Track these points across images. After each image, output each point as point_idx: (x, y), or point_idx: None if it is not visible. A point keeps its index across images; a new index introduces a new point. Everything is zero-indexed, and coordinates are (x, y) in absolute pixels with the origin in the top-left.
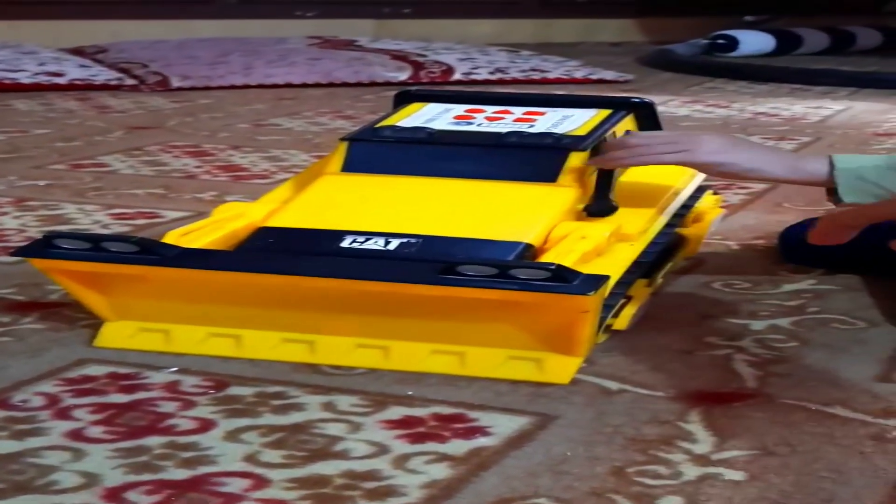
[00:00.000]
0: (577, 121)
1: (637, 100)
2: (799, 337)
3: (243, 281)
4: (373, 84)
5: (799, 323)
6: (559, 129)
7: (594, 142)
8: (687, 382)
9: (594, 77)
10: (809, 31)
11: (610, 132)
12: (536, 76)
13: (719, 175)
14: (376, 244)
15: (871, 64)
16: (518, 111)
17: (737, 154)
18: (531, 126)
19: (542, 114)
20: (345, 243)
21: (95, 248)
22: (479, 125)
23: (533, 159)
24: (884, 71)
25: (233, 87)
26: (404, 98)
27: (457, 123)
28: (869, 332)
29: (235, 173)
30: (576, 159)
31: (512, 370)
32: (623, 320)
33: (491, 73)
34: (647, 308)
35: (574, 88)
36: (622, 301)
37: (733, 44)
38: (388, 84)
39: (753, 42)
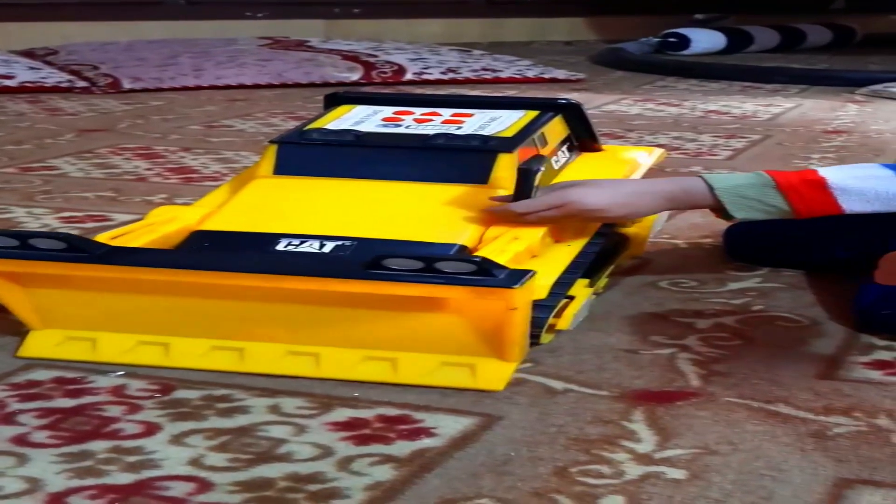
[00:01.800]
0: (504, 122)
1: (564, 101)
2: (743, 335)
3: (172, 280)
4: (325, 84)
5: (743, 321)
6: (487, 131)
7: (522, 143)
8: (631, 382)
9: (546, 76)
10: (760, 30)
11: (538, 133)
12: (488, 76)
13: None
14: (311, 247)
15: (822, 61)
16: (446, 113)
17: (616, 202)
18: (459, 128)
19: (470, 115)
20: (280, 246)
21: (23, 245)
22: (407, 127)
23: (462, 161)
24: (833, 68)
25: (184, 88)
26: (333, 100)
27: (385, 126)
28: (812, 329)
29: (186, 175)
30: (505, 160)
31: (445, 377)
32: (566, 320)
33: (443, 72)
34: (592, 308)
35: (526, 88)
36: (563, 301)
37: (684, 42)
38: (340, 84)
39: (704, 40)
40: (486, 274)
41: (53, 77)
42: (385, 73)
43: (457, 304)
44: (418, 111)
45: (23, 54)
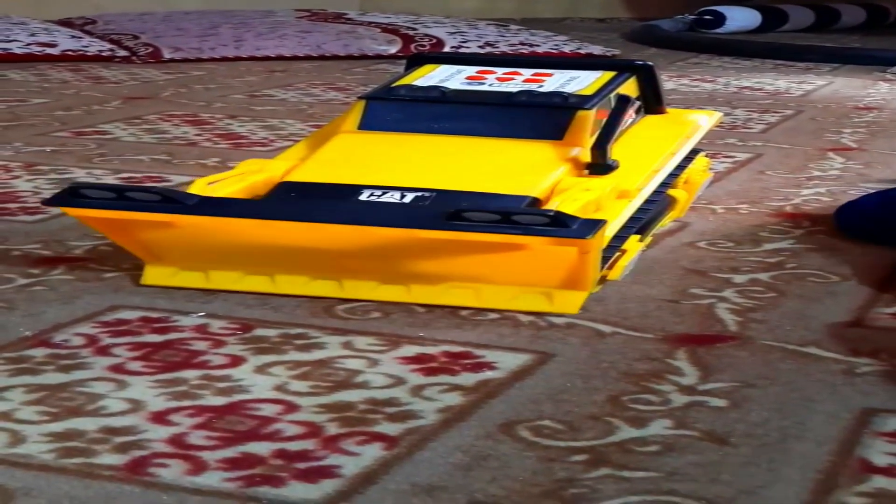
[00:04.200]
0: (583, 81)
1: (639, 62)
2: (777, 289)
3: (263, 229)
4: (363, 57)
5: (777, 277)
6: (567, 89)
7: (600, 101)
8: (674, 327)
9: (582, 51)
10: (795, 8)
11: (614, 93)
12: (525, 50)
13: None
14: (392, 197)
15: (855, 41)
16: (527, 73)
17: None
18: (540, 86)
19: (550, 75)
20: (363, 196)
21: (120, 197)
22: (490, 85)
23: (541, 118)
24: (866, 47)
25: (224, 59)
26: (416, 60)
27: (469, 83)
28: (841, 285)
29: (235, 141)
30: (582, 117)
31: (523, 302)
32: (616, 271)
33: (480, 46)
34: (638, 262)
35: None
36: (618, 254)
37: (720, 19)
38: (378, 57)
39: (740, 18)
40: (561, 225)
41: (94, 46)
42: (423, 45)
43: (535, 249)
44: (500, 70)
45: (60, 23)
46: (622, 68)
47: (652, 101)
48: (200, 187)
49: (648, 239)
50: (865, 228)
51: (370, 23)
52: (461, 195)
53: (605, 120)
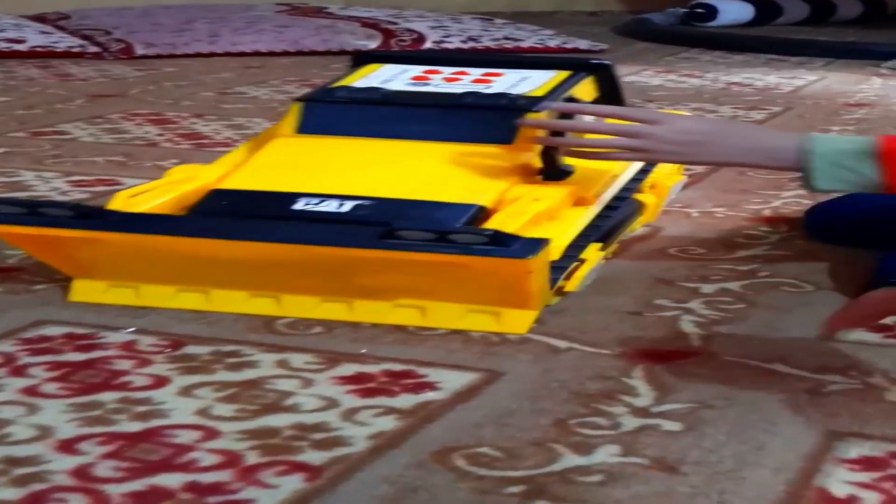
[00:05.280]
0: (535, 82)
1: (595, 62)
2: (747, 299)
3: (187, 245)
4: (342, 52)
5: (748, 286)
6: (517, 90)
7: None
8: (633, 341)
9: (568, 46)
10: (789, 1)
11: (568, 94)
12: (509, 45)
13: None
14: (329, 206)
15: (850, 35)
16: (476, 72)
17: (704, 152)
18: (488, 87)
19: (499, 75)
20: (298, 206)
21: (32, 213)
22: (436, 86)
23: (488, 120)
24: (862, 41)
25: (198, 54)
26: (362, 59)
27: (413, 84)
28: (815, 295)
29: (197, 141)
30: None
31: (471, 322)
32: (574, 283)
33: (463, 41)
34: (601, 271)
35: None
36: (575, 264)
37: (712, 13)
38: (357, 52)
39: (732, 11)
40: (500, 244)
41: (64, 42)
42: (404, 41)
43: (476, 268)
44: (448, 70)
45: (34, 19)
46: (578, 67)
47: (612, 102)
48: (122, 201)
49: (613, 246)
50: (832, 230)
51: (351, 17)
52: (404, 204)
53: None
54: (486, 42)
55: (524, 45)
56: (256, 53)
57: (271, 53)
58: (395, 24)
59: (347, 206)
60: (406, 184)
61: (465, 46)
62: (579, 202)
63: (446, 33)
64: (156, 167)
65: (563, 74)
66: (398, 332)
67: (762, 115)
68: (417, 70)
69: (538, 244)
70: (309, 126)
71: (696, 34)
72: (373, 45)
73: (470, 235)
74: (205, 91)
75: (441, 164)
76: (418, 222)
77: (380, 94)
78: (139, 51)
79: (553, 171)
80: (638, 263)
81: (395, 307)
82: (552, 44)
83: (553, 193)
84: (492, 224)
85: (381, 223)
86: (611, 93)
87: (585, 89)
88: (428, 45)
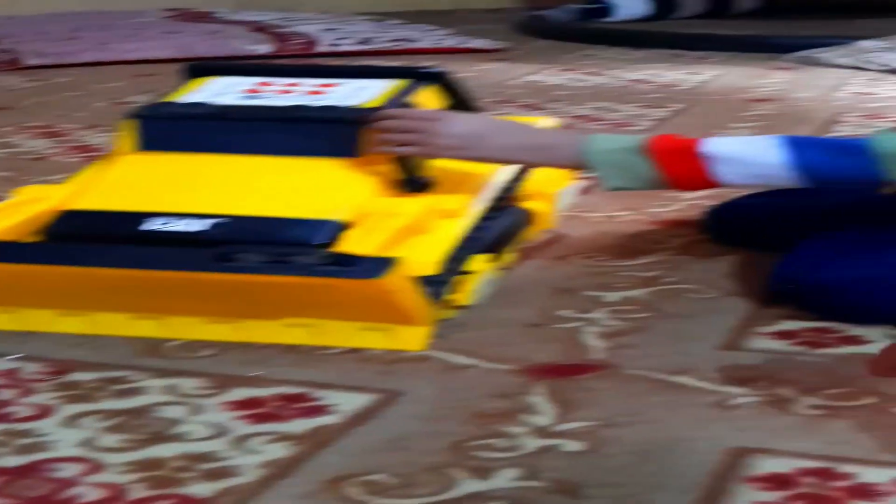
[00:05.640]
0: (371, 92)
1: (427, 70)
2: (651, 307)
3: (43, 272)
4: (235, 58)
5: (652, 294)
6: (352, 102)
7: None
8: (535, 356)
9: (465, 46)
10: None
11: (406, 103)
12: (404, 46)
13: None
14: (182, 226)
15: (751, 28)
16: (310, 83)
17: (483, 146)
18: (321, 99)
19: (335, 86)
20: (149, 226)
21: None
22: (268, 99)
23: (329, 134)
24: (761, 34)
25: (89, 63)
26: (194, 71)
27: (245, 98)
28: (720, 301)
29: (90, 154)
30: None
31: (364, 340)
32: (465, 296)
33: (357, 43)
34: (500, 283)
35: (444, 58)
36: (462, 276)
37: (609, 9)
38: (250, 58)
39: (629, 6)
40: (344, 265)
41: None
42: (296, 44)
43: (342, 292)
44: (280, 82)
45: None
46: (411, 76)
47: (461, 109)
48: None
49: (510, 256)
50: (731, 232)
51: (238, 21)
52: (260, 221)
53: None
54: (381, 44)
55: (419, 45)
56: (148, 61)
57: (163, 60)
58: (283, 27)
59: (202, 224)
60: (260, 200)
61: (360, 49)
62: (448, 214)
63: (338, 36)
64: (44, 182)
65: (402, 84)
66: (294, 353)
67: (666, 112)
68: (249, 83)
69: (384, 263)
70: (150, 143)
71: (595, 31)
72: (265, 49)
73: (312, 257)
74: (97, 101)
75: (292, 179)
76: (279, 239)
77: (208, 108)
78: (29, 60)
79: (412, 182)
80: (539, 272)
81: (286, 326)
82: (449, 44)
83: (413, 206)
84: (349, 241)
85: (237, 241)
86: (458, 100)
87: (431, 97)
88: (321, 48)
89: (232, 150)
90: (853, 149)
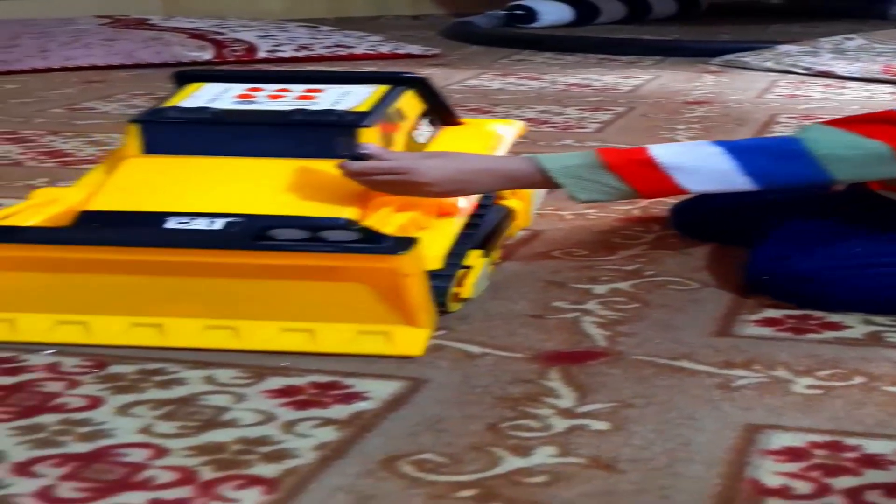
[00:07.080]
0: (357, 97)
1: (409, 75)
2: (639, 298)
3: (73, 257)
4: (178, 63)
5: (638, 286)
6: (341, 106)
7: (378, 117)
8: (542, 344)
9: (400, 52)
10: (606, 1)
11: (394, 108)
12: (342, 52)
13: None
14: (201, 224)
15: (671, 33)
16: (298, 89)
17: (449, 178)
18: (313, 103)
19: (321, 91)
20: (170, 224)
21: None
22: (262, 104)
23: (329, 136)
24: (685, 39)
25: (34, 70)
26: (183, 78)
27: (240, 102)
28: (702, 292)
29: (62, 159)
30: (366, 135)
31: (362, 345)
32: (467, 289)
33: (295, 49)
34: (491, 278)
35: (381, 64)
36: (462, 271)
37: (532, 14)
38: (194, 64)
39: (552, 12)
40: (372, 241)
41: None
42: (237, 51)
43: (353, 273)
44: (270, 87)
45: None
46: (394, 82)
47: (441, 113)
48: None
49: (497, 252)
50: (697, 227)
51: (175, 28)
52: (274, 219)
53: (393, 135)
54: (319, 50)
55: (356, 51)
56: (92, 67)
57: (108, 67)
58: (221, 34)
59: (219, 223)
60: (272, 200)
61: (299, 55)
62: (444, 212)
63: (276, 42)
64: (27, 186)
65: (383, 89)
66: None
67: (608, 115)
68: (240, 88)
69: (409, 241)
70: (155, 146)
71: (524, 36)
72: (206, 55)
73: (344, 232)
74: (52, 107)
75: (299, 180)
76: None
77: (210, 113)
78: None
79: None
80: (526, 267)
81: (283, 331)
82: (384, 50)
83: (416, 203)
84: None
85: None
86: (435, 104)
87: (411, 103)
88: (261, 54)
89: (234, 152)
90: (792, 153)
